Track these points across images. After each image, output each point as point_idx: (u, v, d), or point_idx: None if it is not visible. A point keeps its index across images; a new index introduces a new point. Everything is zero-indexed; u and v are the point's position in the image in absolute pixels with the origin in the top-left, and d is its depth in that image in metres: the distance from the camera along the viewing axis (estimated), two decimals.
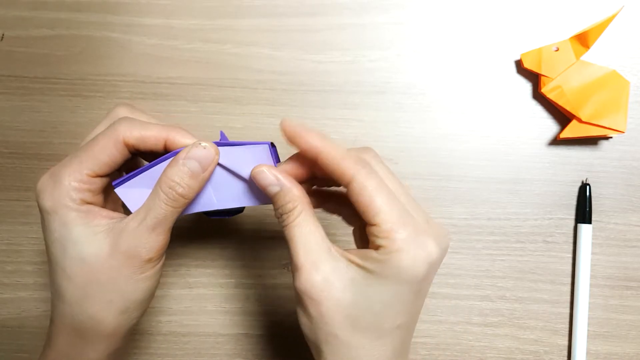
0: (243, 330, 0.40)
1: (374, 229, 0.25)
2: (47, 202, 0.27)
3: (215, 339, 0.40)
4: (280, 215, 0.27)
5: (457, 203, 0.40)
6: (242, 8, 0.41)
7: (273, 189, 0.27)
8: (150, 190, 0.28)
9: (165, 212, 0.27)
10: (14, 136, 0.41)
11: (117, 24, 0.41)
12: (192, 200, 0.28)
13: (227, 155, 0.28)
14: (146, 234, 0.27)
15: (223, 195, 0.30)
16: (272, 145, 0.28)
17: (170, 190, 0.27)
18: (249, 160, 0.28)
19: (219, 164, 0.28)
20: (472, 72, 0.41)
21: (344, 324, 0.26)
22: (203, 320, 0.40)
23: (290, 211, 0.27)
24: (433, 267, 0.26)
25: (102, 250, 0.27)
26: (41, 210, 0.27)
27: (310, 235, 0.26)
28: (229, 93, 0.41)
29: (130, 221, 0.27)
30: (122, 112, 0.30)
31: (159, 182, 0.27)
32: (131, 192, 0.28)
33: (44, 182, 0.27)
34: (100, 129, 0.29)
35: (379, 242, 0.25)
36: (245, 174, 0.28)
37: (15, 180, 0.41)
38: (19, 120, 0.41)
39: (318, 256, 0.26)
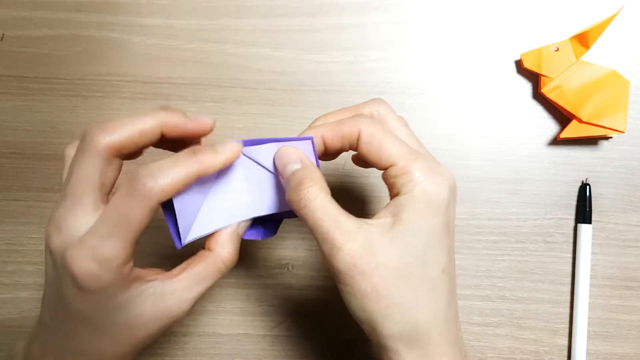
0: (243, 330, 0.40)
1: (391, 170, 0.26)
2: (92, 286, 0.24)
3: (215, 339, 0.40)
4: (297, 195, 0.25)
5: (457, 203, 0.40)
6: (242, 8, 0.41)
7: (293, 167, 0.26)
8: (201, 194, 0.26)
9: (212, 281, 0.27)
10: (14, 136, 0.41)
11: (117, 24, 0.41)
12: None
13: (268, 153, 0.27)
14: (189, 301, 0.27)
15: (264, 199, 0.28)
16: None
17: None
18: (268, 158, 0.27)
19: (257, 164, 0.27)
20: (472, 72, 0.41)
21: (400, 287, 0.25)
22: (203, 320, 0.40)
23: (308, 188, 0.25)
24: (453, 193, 0.27)
25: (145, 313, 0.26)
26: (79, 290, 0.24)
27: (337, 212, 0.26)
28: (229, 93, 0.41)
29: (174, 292, 0.26)
30: (97, 138, 0.25)
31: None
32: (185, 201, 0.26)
33: (86, 267, 0.23)
34: (85, 170, 0.25)
35: (399, 180, 0.26)
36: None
37: (15, 180, 0.41)
38: (19, 120, 0.41)
39: (352, 230, 0.25)
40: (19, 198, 0.41)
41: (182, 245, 0.27)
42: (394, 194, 0.27)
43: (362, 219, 0.26)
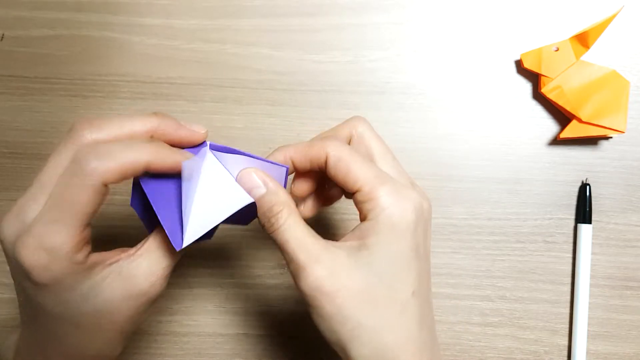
0: (243, 330, 0.40)
1: (357, 196, 0.26)
2: (44, 277, 0.23)
3: (215, 339, 0.40)
4: (268, 220, 0.26)
5: (457, 203, 0.40)
6: (242, 8, 0.41)
7: (259, 191, 0.27)
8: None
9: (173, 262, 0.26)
10: (14, 136, 0.41)
11: (117, 24, 0.41)
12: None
13: (235, 164, 0.27)
14: (160, 277, 0.26)
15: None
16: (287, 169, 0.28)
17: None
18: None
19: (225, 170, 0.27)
20: (472, 72, 0.41)
21: (364, 309, 0.25)
22: (203, 320, 0.40)
23: (277, 213, 0.26)
24: (421, 217, 0.27)
25: (114, 297, 0.25)
26: (34, 284, 0.23)
27: (303, 235, 0.26)
28: (229, 93, 0.41)
29: (139, 266, 0.25)
30: (83, 133, 0.25)
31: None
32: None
33: (34, 257, 0.22)
34: (59, 160, 0.24)
35: (366, 206, 0.26)
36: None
37: (15, 180, 0.41)
38: (19, 120, 0.41)
39: (317, 252, 0.25)
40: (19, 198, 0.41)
41: (182, 247, 0.26)
42: (361, 218, 0.27)
43: (330, 242, 0.26)
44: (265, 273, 0.41)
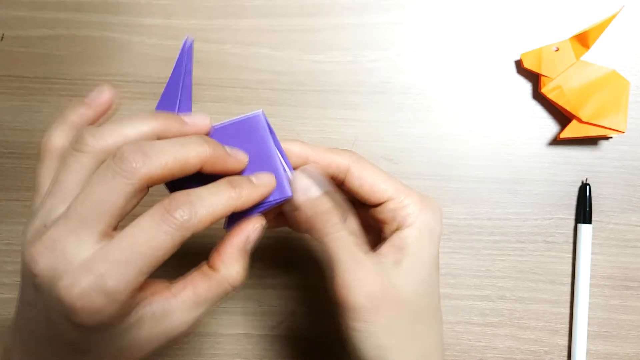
0: (243, 330, 0.40)
1: (389, 204, 0.27)
2: (91, 321, 0.20)
3: (215, 339, 0.40)
4: (323, 224, 0.25)
5: (457, 203, 0.40)
6: (242, 8, 0.41)
7: (315, 192, 0.26)
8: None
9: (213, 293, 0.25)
10: (14, 136, 0.41)
11: (117, 24, 0.41)
12: None
13: (222, 137, 0.26)
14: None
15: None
16: (263, 113, 0.26)
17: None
18: (245, 136, 0.26)
19: None
20: (472, 72, 0.41)
21: (414, 319, 0.26)
22: (203, 320, 0.40)
23: (332, 219, 0.25)
24: (442, 222, 0.28)
25: (141, 338, 0.23)
26: (74, 325, 0.21)
27: (354, 244, 0.25)
28: (229, 93, 0.41)
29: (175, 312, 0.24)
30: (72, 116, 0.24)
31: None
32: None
33: (87, 299, 0.20)
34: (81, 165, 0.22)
35: (400, 214, 0.26)
36: (255, 156, 0.26)
37: (15, 180, 0.41)
38: (19, 120, 0.41)
39: (369, 264, 0.25)
40: (19, 198, 0.41)
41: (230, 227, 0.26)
42: (392, 228, 0.27)
43: (374, 253, 0.26)
44: (265, 273, 0.40)
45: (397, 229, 0.27)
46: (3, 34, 0.41)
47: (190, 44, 0.28)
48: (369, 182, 0.27)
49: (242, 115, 0.27)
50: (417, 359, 0.26)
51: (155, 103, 0.41)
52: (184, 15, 0.41)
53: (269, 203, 0.26)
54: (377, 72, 0.41)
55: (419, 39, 0.41)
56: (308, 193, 0.26)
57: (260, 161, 0.26)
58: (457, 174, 0.40)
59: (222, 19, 0.41)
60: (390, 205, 0.27)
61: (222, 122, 0.27)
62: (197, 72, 0.41)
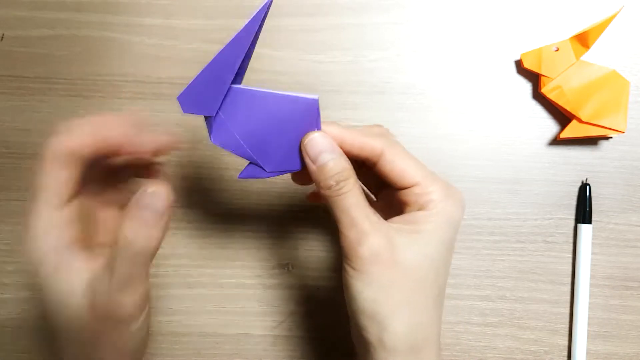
0: (243, 330, 0.40)
1: (415, 189, 0.28)
2: (32, 255, 0.24)
3: (215, 339, 0.40)
4: (336, 183, 0.26)
5: None
6: (242, 8, 0.41)
7: (327, 156, 0.26)
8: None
9: (130, 271, 0.24)
10: (14, 136, 0.41)
11: (117, 24, 0.41)
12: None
13: (271, 105, 0.26)
14: (118, 296, 0.24)
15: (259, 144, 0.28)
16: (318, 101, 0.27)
17: (127, 248, 0.24)
18: (294, 112, 0.26)
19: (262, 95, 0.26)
20: (472, 72, 0.41)
21: (414, 288, 0.26)
22: (203, 320, 0.40)
23: (347, 179, 0.26)
24: (463, 213, 0.29)
25: (83, 313, 0.25)
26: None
27: (365, 204, 0.27)
28: None
29: (99, 284, 0.24)
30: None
31: (118, 240, 0.24)
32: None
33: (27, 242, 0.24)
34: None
35: (422, 199, 0.27)
36: (289, 130, 0.27)
37: (15, 180, 0.41)
38: (19, 120, 0.41)
39: (378, 222, 0.26)
40: (19, 198, 0.41)
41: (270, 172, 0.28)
42: (413, 210, 0.28)
43: (388, 220, 0.28)
44: (265, 273, 0.41)
45: (414, 210, 0.28)
46: (3, 34, 0.41)
47: (269, 5, 0.26)
48: (400, 167, 0.28)
49: (296, 93, 0.27)
50: (410, 327, 0.26)
51: (155, 103, 0.41)
52: (184, 15, 0.41)
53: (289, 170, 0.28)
54: (377, 72, 0.41)
55: (419, 39, 0.41)
56: (317, 158, 0.27)
57: (299, 140, 0.27)
58: (457, 174, 0.40)
59: (222, 19, 0.41)
60: (415, 190, 0.28)
61: (273, 90, 0.27)
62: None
